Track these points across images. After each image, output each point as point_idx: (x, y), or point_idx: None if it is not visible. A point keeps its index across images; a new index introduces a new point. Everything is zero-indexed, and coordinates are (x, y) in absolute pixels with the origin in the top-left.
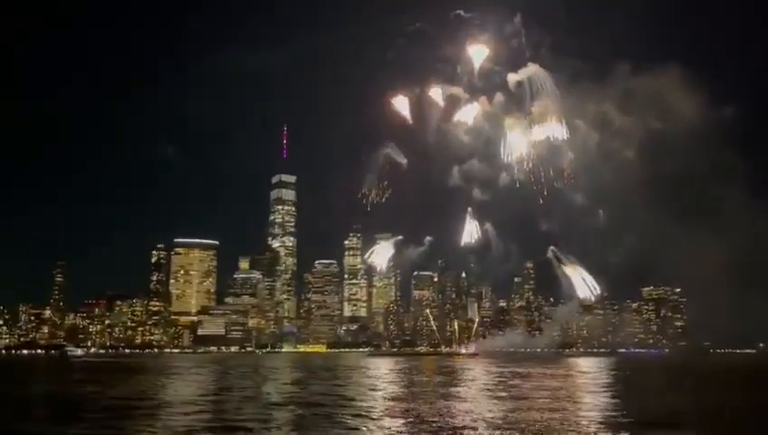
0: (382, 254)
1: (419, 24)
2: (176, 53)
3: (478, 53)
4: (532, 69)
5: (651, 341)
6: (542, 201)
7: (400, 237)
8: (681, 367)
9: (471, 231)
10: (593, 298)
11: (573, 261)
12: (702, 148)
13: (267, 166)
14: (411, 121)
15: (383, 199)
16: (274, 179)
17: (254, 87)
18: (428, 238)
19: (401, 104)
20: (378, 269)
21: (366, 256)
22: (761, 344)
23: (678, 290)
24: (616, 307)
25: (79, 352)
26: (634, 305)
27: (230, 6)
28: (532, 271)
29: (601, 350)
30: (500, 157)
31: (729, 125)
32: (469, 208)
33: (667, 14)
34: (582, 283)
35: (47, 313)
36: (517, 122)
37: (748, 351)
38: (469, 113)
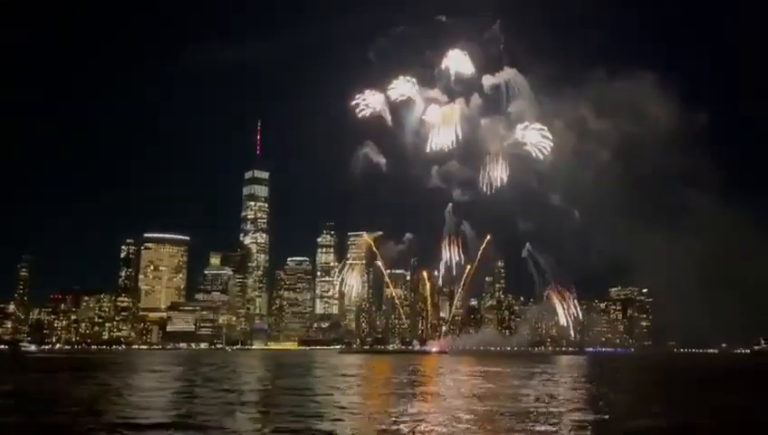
0: (354, 279)
1: (402, 27)
2: (147, 47)
3: (457, 56)
4: (508, 73)
5: (618, 340)
6: (520, 205)
7: (380, 233)
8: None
9: (452, 256)
10: (572, 332)
11: (566, 291)
12: (674, 152)
13: (240, 162)
14: (390, 122)
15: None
16: (247, 175)
17: (229, 82)
18: (408, 235)
19: (380, 104)
20: (349, 297)
21: (338, 283)
22: (723, 345)
23: (645, 290)
24: (585, 306)
25: (32, 347)
26: (602, 305)
27: (204, 0)
28: (503, 270)
29: (570, 349)
30: (478, 158)
31: (701, 131)
32: (449, 206)
33: (642, 22)
34: (565, 313)
35: (11, 307)
36: (494, 124)
37: (710, 351)
38: (447, 115)
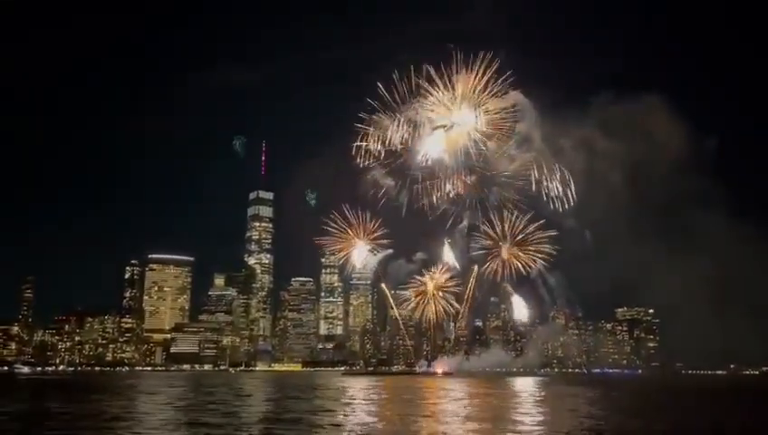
0: (357, 256)
1: (409, 53)
2: (152, 67)
3: (463, 81)
4: (515, 96)
5: (625, 361)
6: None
7: (390, 251)
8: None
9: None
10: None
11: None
12: (684, 174)
13: (245, 182)
14: (398, 147)
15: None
16: (252, 196)
17: (233, 103)
18: (420, 254)
19: (388, 130)
20: (354, 271)
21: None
22: (731, 366)
23: (651, 311)
24: (591, 327)
25: (25, 369)
26: (608, 326)
27: (213, 22)
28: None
29: (576, 370)
30: (487, 180)
31: (710, 154)
32: (463, 225)
33: (651, 45)
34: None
35: (15, 329)
36: (500, 147)
37: (719, 372)
38: (453, 140)
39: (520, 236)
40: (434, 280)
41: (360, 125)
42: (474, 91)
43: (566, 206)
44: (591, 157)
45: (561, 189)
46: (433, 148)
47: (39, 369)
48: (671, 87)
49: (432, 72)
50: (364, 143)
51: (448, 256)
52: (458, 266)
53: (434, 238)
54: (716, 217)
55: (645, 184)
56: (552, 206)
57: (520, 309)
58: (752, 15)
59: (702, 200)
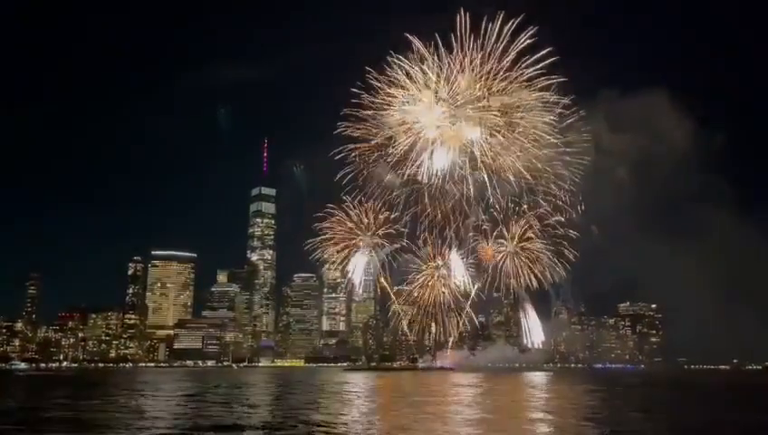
0: (357, 269)
1: (405, 53)
2: (155, 65)
3: (467, 74)
4: (521, 93)
5: (628, 356)
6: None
7: (397, 246)
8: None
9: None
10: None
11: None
12: (691, 169)
13: (247, 179)
14: (401, 145)
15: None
16: (254, 192)
17: (235, 100)
18: (424, 250)
19: (390, 128)
20: (355, 288)
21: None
22: (734, 360)
23: (654, 306)
24: (594, 323)
25: (22, 365)
26: (611, 321)
27: (213, 21)
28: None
29: (579, 365)
30: (491, 176)
31: (717, 149)
32: (469, 221)
33: (658, 40)
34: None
35: (19, 325)
36: (505, 142)
37: (721, 367)
38: (456, 136)
39: (530, 236)
40: (438, 277)
41: (361, 124)
42: (484, 82)
43: (574, 215)
44: (597, 152)
45: (570, 198)
46: (437, 145)
47: (43, 365)
48: (678, 83)
49: (437, 66)
50: (367, 142)
51: (453, 254)
52: (463, 265)
53: (439, 236)
54: (723, 212)
55: (650, 180)
56: (560, 216)
57: (535, 329)
58: (761, 12)
59: (709, 195)
